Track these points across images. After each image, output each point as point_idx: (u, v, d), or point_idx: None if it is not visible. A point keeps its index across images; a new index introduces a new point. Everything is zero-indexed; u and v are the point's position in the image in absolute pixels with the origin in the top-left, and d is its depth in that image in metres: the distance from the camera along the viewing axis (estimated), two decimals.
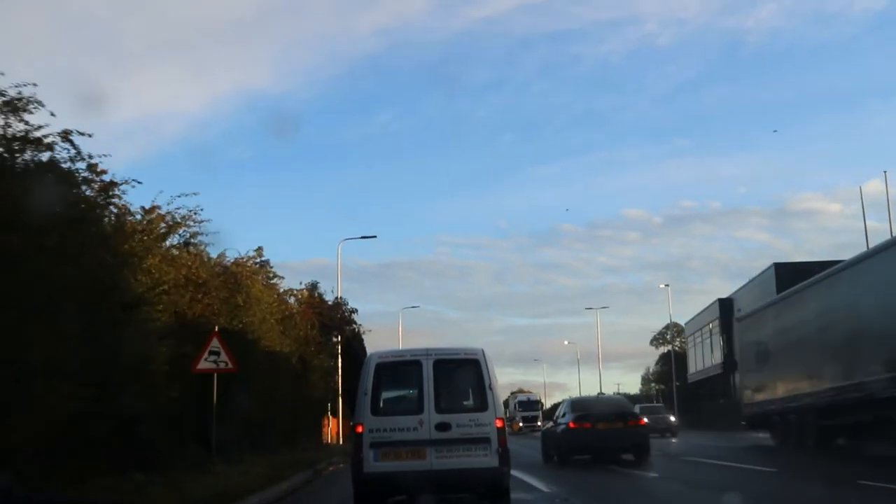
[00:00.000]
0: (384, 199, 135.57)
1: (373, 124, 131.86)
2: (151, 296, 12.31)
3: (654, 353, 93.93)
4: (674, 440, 34.29)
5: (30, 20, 71.70)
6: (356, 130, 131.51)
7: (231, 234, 33.29)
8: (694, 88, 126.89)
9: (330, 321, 32.23)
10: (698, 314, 66.44)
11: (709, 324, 62.49)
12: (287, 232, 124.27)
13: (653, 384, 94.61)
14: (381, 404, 10.34)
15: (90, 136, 9.85)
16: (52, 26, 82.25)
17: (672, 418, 42.35)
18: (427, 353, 10.45)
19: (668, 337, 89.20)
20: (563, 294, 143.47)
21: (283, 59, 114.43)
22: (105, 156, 10.48)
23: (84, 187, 10.87)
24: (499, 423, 10.12)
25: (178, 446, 14.08)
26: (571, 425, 18.85)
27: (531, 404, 72.17)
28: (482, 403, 10.21)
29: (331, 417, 39.12)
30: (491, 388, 10.25)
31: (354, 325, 35.71)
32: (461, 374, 10.61)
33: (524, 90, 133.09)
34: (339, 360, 38.57)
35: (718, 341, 59.44)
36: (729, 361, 55.76)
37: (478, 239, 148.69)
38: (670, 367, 77.31)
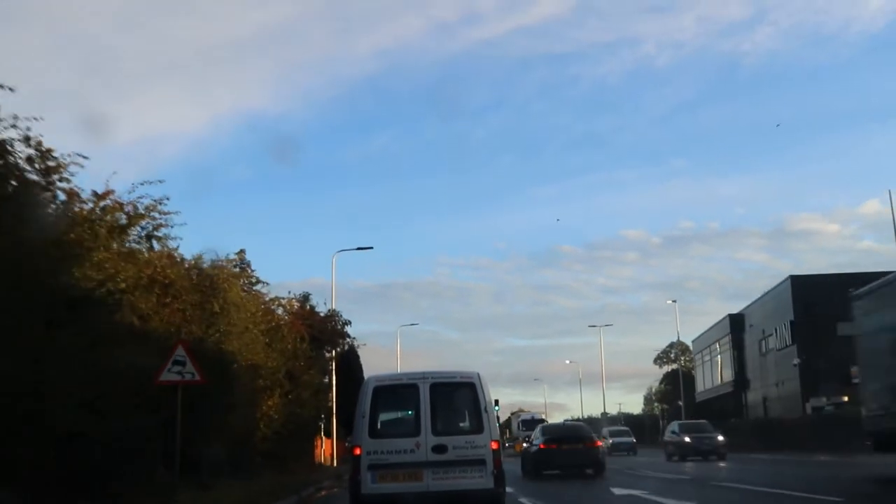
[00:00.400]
0: (383, 219, 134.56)
1: (372, 145, 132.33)
2: (103, 295, 10.52)
3: (657, 373, 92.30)
4: (722, 464, 29.23)
5: (30, 41, 70.83)
6: (355, 151, 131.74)
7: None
8: (692, 109, 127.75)
9: (321, 334, 30.22)
10: (707, 331, 63.85)
11: (717, 341, 59.72)
12: (286, 252, 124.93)
13: (656, 404, 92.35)
14: (379, 427, 10.54)
15: (11, 90, 8.11)
16: (52, 47, 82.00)
17: (720, 438, 38.11)
18: (424, 376, 10.66)
19: (672, 356, 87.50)
20: (563, 315, 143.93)
21: (282, 81, 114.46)
22: (37, 118, 8.74)
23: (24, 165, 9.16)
24: (494, 446, 10.31)
25: (141, 470, 12.25)
26: (542, 446, 23.13)
27: (535, 423, 65.81)
28: (478, 426, 10.39)
29: (324, 438, 37.21)
30: (486, 411, 10.45)
31: (348, 339, 33.71)
32: (457, 397, 10.80)
33: (523, 111, 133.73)
34: (334, 376, 36.67)
35: (729, 358, 56.71)
36: (740, 379, 53.75)
37: (477, 260, 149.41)
38: (675, 386, 75.28)
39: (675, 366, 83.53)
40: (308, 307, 30.59)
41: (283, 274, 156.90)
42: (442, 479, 10.10)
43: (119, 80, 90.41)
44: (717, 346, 60.17)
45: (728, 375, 57.04)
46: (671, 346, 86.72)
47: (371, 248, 39.68)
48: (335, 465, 36.39)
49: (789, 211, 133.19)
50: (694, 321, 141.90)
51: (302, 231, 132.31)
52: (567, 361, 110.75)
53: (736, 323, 55.26)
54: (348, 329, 33.57)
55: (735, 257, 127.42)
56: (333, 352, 34.87)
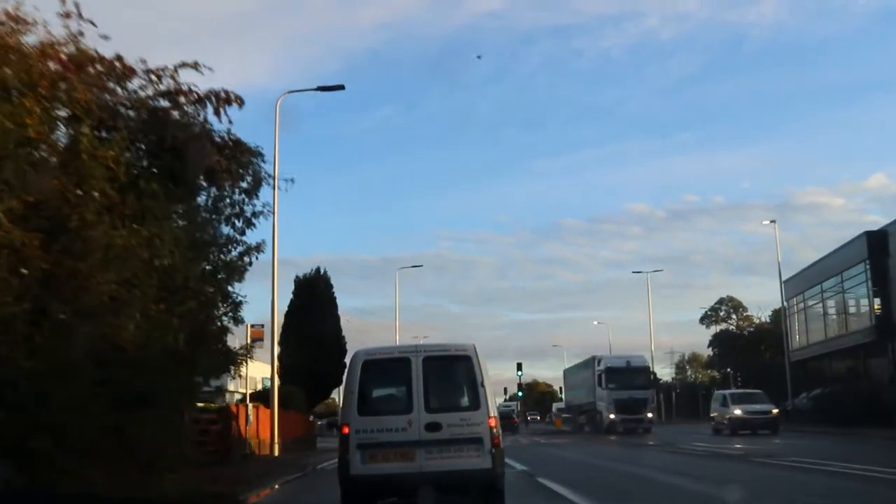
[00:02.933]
0: (385, 193, 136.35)
1: (374, 119, 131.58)
2: None
3: (668, 343, 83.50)
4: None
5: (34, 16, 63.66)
6: (357, 125, 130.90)
7: None
8: (696, 83, 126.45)
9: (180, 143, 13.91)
10: (811, 266, 47.29)
11: (839, 274, 41.73)
12: (288, 228, 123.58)
13: (711, 371, 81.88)
14: (369, 404, 10.03)
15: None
16: (48, 20, 78.47)
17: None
18: (416, 349, 10.22)
19: (721, 313, 75.95)
20: (565, 289, 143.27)
21: (283, 53, 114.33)
22: None
23: None
24: (492, 423, 9.79)
25: None
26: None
27: (637, 374, 44.54)
28: (474, 402, 9.89)
29: (249, 406, 25.85)
30: (483, 386, 9.90)
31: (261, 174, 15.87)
32: (452, 372, 10.29)
33: (526, 84, 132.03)
34: (273, 301, 25.46)
35: (858, 296, 39.98)
36: (885, 325, 36.12)
37: (479, 234, 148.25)
38: (724, 349, 65.76)
39: (723, 326, 75.03)
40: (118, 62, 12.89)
41: (285, 251, 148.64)
42: (436, 458, 9.63)
43: (122, 53, 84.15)
44: (838, 283, 42.06)
45: (863, 320, 39.58)
46: (720, 302, 75.85)
47: (342, 87, 25.88)
48: (278, 453, 25.21)
49: (795, 185, 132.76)
50: (697, 295, 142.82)
51: (303, 206, 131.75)
52: (595, 322, 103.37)
53: (876, 243, 36.89)
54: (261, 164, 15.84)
55: (740, 231, 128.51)
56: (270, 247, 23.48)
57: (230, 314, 16.42)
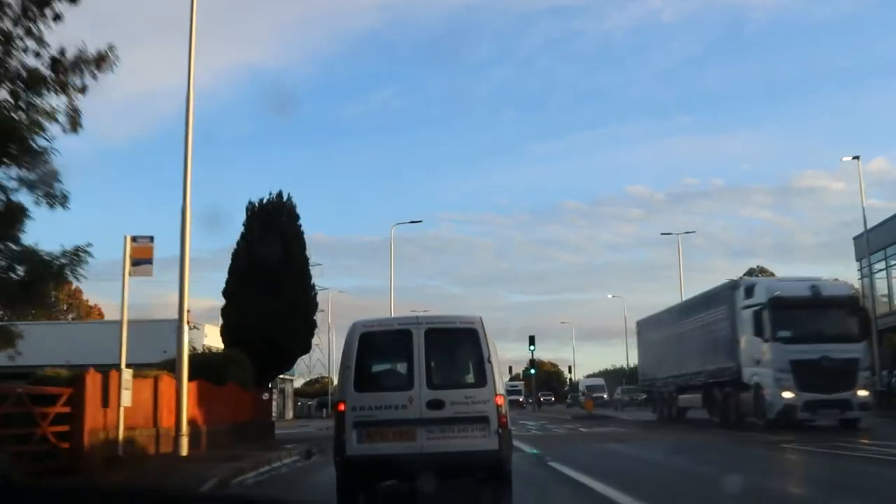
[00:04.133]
0: (385, 174, 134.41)
1: (374, 100, 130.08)
2: None
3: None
4: None
5: None
6: (357, 106, 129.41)
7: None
8: (698, 65, 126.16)
9: None
10: None
11: None
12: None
13: None
14: (367, 379, 9.33)
15: None
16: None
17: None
18: (418, 321, 9.45)
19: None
20: (566, 271, 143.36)
21: (282, 34, 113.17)
22: None
23: None
24: (499, 401, 9.03)
25: None
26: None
27: (838, 312, 23.45)
28: (480, 378, 9.17)
29: (124, 374, 15.43)
30: (490, 361, 9.16)
31: None
32: (456, 346, 9.62)
33: (527, 66, 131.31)
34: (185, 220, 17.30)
35: None
36: None
37: (480, 215, 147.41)
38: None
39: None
40: None
41: None
42: (438, 438, 8.90)
43: (118, 33, 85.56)
44: None
45: None
46: (752, 273, 65.14)
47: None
48: (187, 451, 17.10)
49: (795, 168, 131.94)
50: (698, 278, 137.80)
51: (304, 188, 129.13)
52: (609, 296, 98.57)
53: None
54: None
55: (740, 214, 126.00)
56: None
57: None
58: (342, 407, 9.00)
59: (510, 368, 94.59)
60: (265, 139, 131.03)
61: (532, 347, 56.62)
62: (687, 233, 59.84)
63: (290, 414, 60.91)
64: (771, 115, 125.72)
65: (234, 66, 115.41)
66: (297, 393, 75.11)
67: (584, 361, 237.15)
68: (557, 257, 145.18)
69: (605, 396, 67.16)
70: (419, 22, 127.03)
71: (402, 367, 9.31)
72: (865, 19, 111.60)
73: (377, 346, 9.40)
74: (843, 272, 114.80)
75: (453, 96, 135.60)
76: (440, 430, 8.87)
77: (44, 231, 28.52)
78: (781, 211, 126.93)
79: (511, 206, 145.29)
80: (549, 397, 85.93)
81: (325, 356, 65.77)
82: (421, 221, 35.48)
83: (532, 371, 63.29)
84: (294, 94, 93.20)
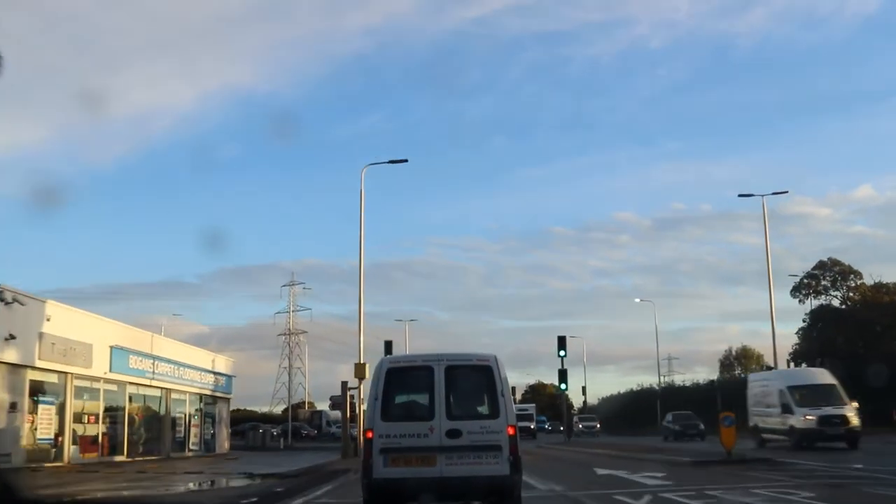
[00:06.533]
0: (374, 198, 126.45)
1: (362, 124, 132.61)
2: None
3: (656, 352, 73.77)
4: None
5: (17, 19, 67.97)
6: (345, 130, 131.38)
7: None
8: (685, 91, 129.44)
9: None
10: None
11: None
12: (277, 231, 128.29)
13: (793, 360, 66.77)
14: (392, 410, 10.30)
15: None
16: (40, 25, 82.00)
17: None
18: (439, 358, 10.44)
19: (826, 280, 60.61)
20: (554, 296, 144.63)
21: (271, 58, 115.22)
22: None
23: None
24: (510, 431, 10.00)
25: None
26: None
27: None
28: (494, 410, 10.16)
29: None
30: (503, 395, 10.17)
31: None
32: (473, 381, 10.54)
33: (515, 92, 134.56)
34: None
35: None
36: None
37: (468, 240, 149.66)
38: (827, 324, 52.94)
39: (822, 299, 60.08)
40: None
41: (274, 253, 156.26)
42: (456, 464, 9.86)
43: (107, 56, 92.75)
44: None
45: None
46: (821, 267, 60.31)
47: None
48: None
49: (782, 194, 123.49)
50: (686, 304, 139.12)
51: (292, 210, 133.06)
52: (637, 300, 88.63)
53: None
54: None
55: (727, 240, 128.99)
56: None
57: None
58: (370, 434, 10.00)
59: (512, 389, 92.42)
60: (253, 161, 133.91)
61: (562, 353, 44.51)
62: (776, 193, 53.85)
63: (225, 444, 44.44)
64: (757, 141, 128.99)
65: (221, 88, 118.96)
66: (262, 418, 70.81)
67: (576, 387, 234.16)
68: (546, 283, 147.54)
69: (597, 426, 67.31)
70: (407, 47, 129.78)
71: (424, 400, 10.23)
72: (851, 46, 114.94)
73: (402, 380, 10.44)
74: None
75: (441, 121, 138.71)
76: (458, 457, 9.82)
77: None
78: (770, 236, 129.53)
79: (499, 231, 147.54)
80: (592, 424, 69.78)
81: (305, 380, 61.30)
82: (405, 161, 27.39)
83: (563, 387, 47.38)
84: (282, 117, 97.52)
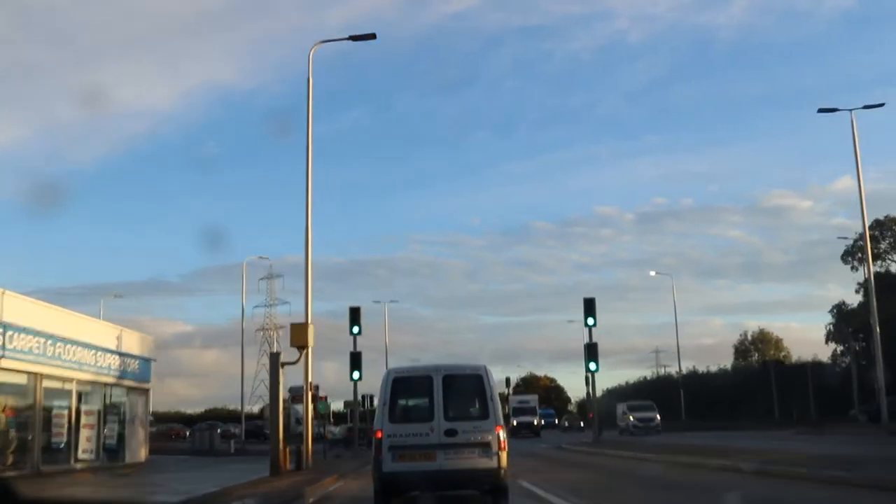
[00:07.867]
0: (355, 195, 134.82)
1: (343, 120, 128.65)
2: None
3: (651, 345, 70.44)
4: None
5: None
6: (326, 126, 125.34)
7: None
8: (665, 85, 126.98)
9: None
10: None
11: None
12: (256, 228, 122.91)
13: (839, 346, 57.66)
14: (398, 413, 12.08)
15: None
16: (19, 22, 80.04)
17: None
18: (437, 368, 12.25)
19: (882, 245, 54.69)
20: (537, 292, 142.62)
21: (251, 54, 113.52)
22: None
23: None
24: (498, 430, 11.74)
25: None
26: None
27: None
28: (484, 412, 11.91)
29: None
30: (492, 400, 11.94)
31: None
32: (466, 388, 12.29)
33: (496, 87, 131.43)
34: None
35: None
36: None
37: (451, 236, 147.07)
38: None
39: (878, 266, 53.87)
40: None
41: (255, 250, 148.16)
42: (453, 458, 11.56)
43: (87, 54, 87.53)
44: None
45: None
46: (877, 226, 53.96)
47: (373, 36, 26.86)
48: None
49: (763, 187, 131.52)
50: (668, 298, 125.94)
51: (273, 208, 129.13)
52: (653, 273, 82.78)
53: None
54: None
55: (709, 234, 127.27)
56: None
57: None
58: (379, 434, 11.73)
59: (507, 380, 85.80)
60: (234, 158, 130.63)
61: (591, 321, 35.05)
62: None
63: (141, 451, 32.51)
64: (738, 135, 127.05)
65: (202, 85, 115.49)
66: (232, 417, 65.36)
67: (571, 384, 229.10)
68: (528, 278, 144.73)
69: (658, 418, 52.27)
70: (388, 42, 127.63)
71: (425, 404, 12.05)
72: (831, 39, 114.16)
73: (406, 387, 12.27)
74: (811, 290, 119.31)
75: (423, 117, 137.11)
76: (454, 453, 11.64)
77: None
78: (750, 230, 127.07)
79: (481, 227, 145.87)
80: (649, 416, 53.21)
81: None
82: (373, 36, 20.19)
83: (593, 366, 35.95)
84: (263, 113, 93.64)
